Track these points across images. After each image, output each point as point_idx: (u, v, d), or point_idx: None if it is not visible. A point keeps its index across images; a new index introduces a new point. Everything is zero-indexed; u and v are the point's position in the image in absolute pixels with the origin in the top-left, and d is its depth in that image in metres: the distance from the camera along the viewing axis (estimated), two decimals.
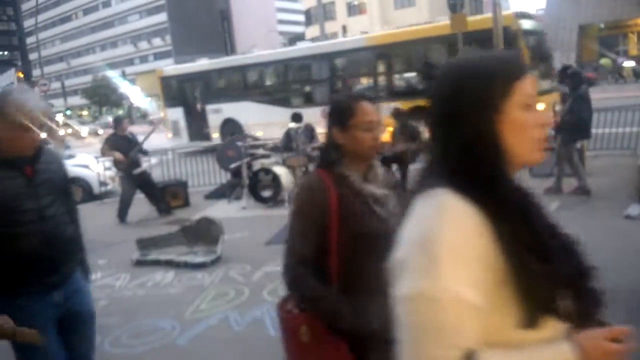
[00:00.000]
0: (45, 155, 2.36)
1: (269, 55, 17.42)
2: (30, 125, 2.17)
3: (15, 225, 2.19)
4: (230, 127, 16.49)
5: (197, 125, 17.97)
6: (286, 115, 11.73)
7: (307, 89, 16.15)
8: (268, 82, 17.29)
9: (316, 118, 13.87)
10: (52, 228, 2.28)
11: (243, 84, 17.38)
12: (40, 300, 2.27)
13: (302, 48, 17.03)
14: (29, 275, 2.24)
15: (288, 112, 11.62)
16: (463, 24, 9.63)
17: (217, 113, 17.45)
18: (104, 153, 8.41)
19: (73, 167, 11.29)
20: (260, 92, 16.93)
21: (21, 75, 20.38)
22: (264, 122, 15.08)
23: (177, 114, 18.62)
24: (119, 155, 7.97)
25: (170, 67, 19.94)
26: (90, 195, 10.89)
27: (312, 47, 16.55)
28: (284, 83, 16.59)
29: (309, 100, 15.40)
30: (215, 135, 17.39)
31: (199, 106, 18.18)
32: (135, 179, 8.20)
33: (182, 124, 18.55)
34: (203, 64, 18.77)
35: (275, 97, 16.17)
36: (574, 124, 6.87)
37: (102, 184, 10.95)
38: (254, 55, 18.10)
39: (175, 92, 18.93)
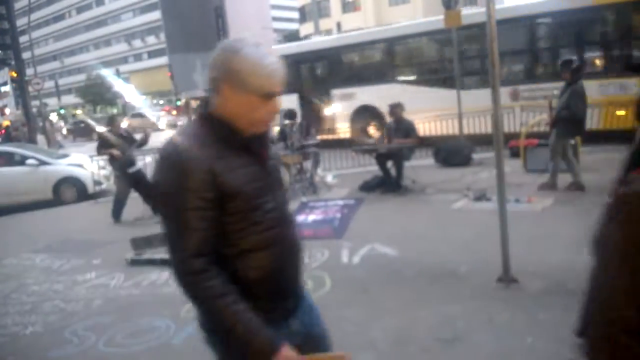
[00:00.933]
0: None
1: (428, 23, 13.32)
2: (272, 91, 1.55)
3: (258, 232, 1.56)
4: (366, 116, 13.54)
5: (318, 114, 14.51)
6: (452, 99, 9.96)
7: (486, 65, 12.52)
8: (426, 58, 13.67)
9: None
10: (294, 234, 1.70)
11: (388, 62, 13.80)
12: (280, 334, 1.59)
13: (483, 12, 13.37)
14: (267, 301, 1.60)
15: (454, 95, 9.89)
16: (457, 20, 9.62)
17: (347, 99, 14.08)
18: (99, 151, 8.37)
19: (67, 166, 11.27)
20: (413, 70, 13.57)
21: (14, 74, 20.20)
22: (416, 108, 11.23)
23: (290, 101, 14.33)
24: (116, 152, 7.99)
25: (284, 46, 16.57)
26: (84, 194, 10.85)
27: (499, 10, 12.56)
28: (451, 58, 12.10)
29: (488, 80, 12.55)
30: (344, 127, 14.04)
31: (321, 92, 15.01)
32: (130, 178, 8.19)
33: (299, 113, 14.54)
34: (329, 39, 15.94)
35: (436, 77, 12.87)
36: (569, 119, 6.86)
37: (97, 183, 10.91)
38: (406, 25, 14.56)
39: (290, 75, 15.42)
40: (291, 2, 77.82)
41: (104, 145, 8.24)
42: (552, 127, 7.10)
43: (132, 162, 8.24)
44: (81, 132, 34.41)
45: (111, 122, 8.61)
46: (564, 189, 7.00)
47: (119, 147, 8.02)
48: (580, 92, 6.87)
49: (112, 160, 8.17)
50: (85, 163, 11.28)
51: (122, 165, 8.09)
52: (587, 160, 8.31)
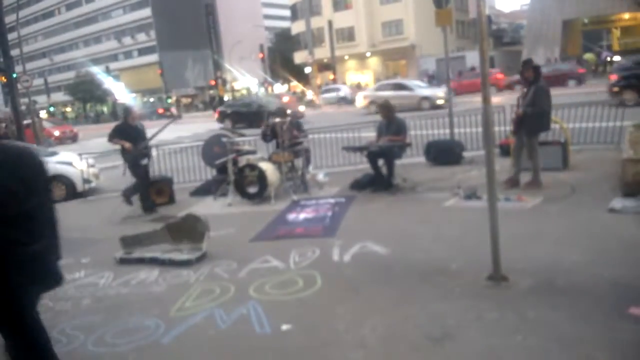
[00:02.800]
0: None
1: None
2: None
3: None
4: None
5: None
6: None
7: None
8: None
9: None
10: None
11: None
12: None
13: None
14: None
15: None
16: (448, 19, 9.63)
17: None
18: (111, 140, 8.28)
19: (56, 164, 11.17)
20: None
21: (4, 79, 19.93)
22: None
23: None
24: (128, 145, 7.98)
25: None
26: (73, 192, 10.76)
27: None
28: None
29: None
30: None
31: None
32: (142, 170, 8.26)
33: None
34: None
35: None
36: (536, 116, 6.94)
37: (86, 181, 10.83)
38: None
39: None
40: (282, 0, 77.66)
41: (116, 135, 8.16)
42: (516, 125, 7.17)
43: (145, 155, 8.30)
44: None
45: (127, 112, 8.52)
46: (524, 185, 7.07)
47: (129, 140, 8.00)
48: (545, 89, 7.07)
49: (124, 151, 8.15)
50: (75, 161, 11.19)
51: (134, 157, 8.11)
52: (577, 159, 8.37)
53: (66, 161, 11.33)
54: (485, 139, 4.43)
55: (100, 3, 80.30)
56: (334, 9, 52.44)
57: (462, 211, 6.46)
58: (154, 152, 11.13)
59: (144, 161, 8.29)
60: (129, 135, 8.11)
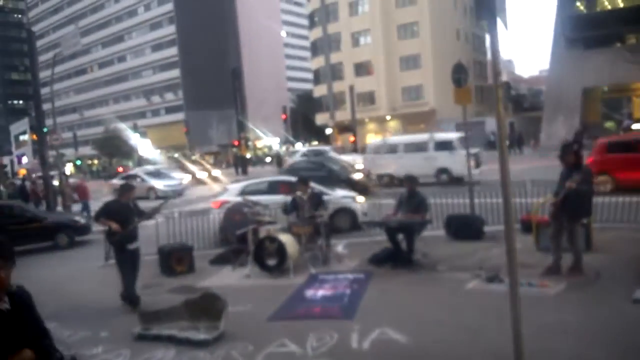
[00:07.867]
0: None
1: None
2: None
3: None
4: None
5: None
6: None
7: None
8: None
9: None
10: None
11: None
12: None
13: None
14: None
15: None
16: (467, 98, 9.78)
17: None
18: (98, 220, 7.22)
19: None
20: None
21: (35, 137, 20.67)
22: None
23: None
24: (115, 226, 6.90)
25: None
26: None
27: None
28: None
29: None
30: None
31: None
32: (129, 255, 7.08)
33: None
34: None
35: None
36: (583, 199, 6.75)
37: None
38: None
39: None
40: (306, 64, 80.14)
41: (103, 214, 7.06)
42: (558, 208, 6.80)
43: (134, 237, 7.14)
44: None
45: (123, 191, 7.40)
46: (567, 272, 6.84)
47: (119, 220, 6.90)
48: (591, 172, 6.93)
49: (110, 234, 7.04)
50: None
51: (122, 240, 6.99)
52: (600, 239, 8.20)
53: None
54: (506, 224, 4.34)
55: (132, 63, 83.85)
56: (356, 74, 53.87)
57: (484, 295, 6.35)
58: (175, 214, 11.30)
59: (132, 245, 7.08)
60: (119, 214, 6.95)
